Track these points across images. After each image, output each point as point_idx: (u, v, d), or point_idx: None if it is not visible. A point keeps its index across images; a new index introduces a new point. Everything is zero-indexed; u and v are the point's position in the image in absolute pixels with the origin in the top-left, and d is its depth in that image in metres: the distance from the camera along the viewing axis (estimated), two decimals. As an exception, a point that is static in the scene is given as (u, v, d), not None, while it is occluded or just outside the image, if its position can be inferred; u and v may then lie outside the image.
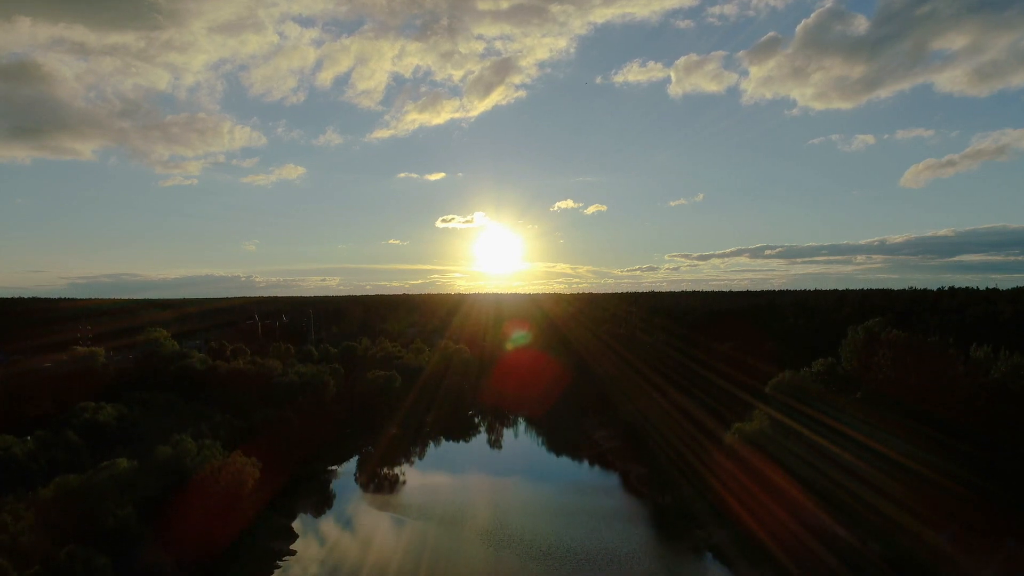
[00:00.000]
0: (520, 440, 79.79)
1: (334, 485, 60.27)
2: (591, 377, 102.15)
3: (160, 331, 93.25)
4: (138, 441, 49.72)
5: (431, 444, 75.96)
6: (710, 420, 65.28)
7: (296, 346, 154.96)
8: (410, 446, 74.07)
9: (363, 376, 74.35)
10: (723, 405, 67.15)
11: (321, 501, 55.38)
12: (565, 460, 69.47)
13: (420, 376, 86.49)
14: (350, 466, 65.54)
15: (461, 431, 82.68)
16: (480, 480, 62.69)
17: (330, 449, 67.81)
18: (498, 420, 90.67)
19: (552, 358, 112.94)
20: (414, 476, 63.71)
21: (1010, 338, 72.82)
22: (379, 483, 61.83)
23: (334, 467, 64.15)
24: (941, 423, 44.54)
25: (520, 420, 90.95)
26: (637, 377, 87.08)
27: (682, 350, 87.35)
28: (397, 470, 66.42)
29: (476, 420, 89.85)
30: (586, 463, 67.03)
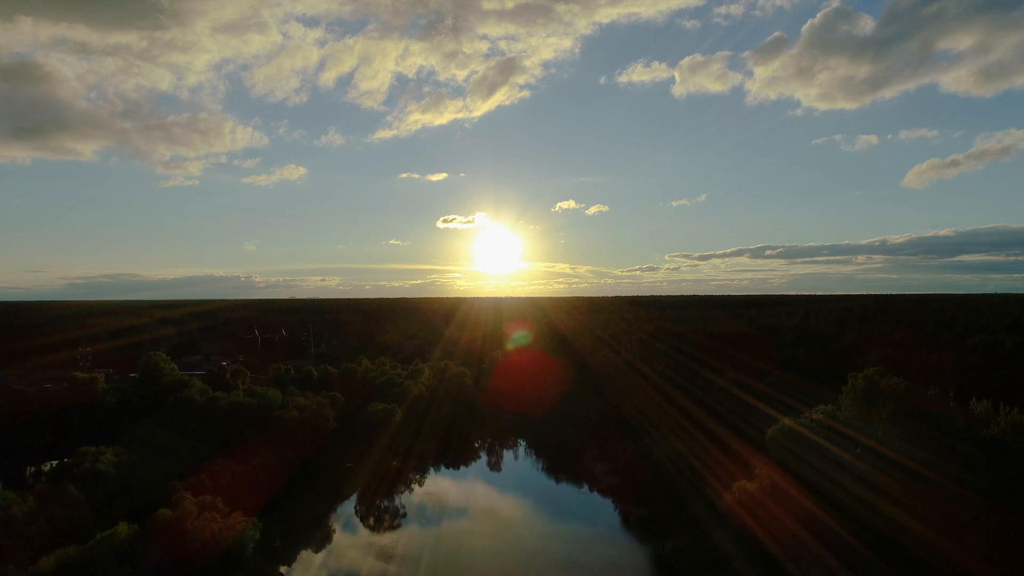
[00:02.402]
0: (518, 473, 79.36)
1: (334, 525, 60.37)
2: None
3: (159, 354, 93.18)
4: (138, 491, 49.74)
5: (429, 477, 76.10)
6: (713, 455, 65.57)
7: (295, 360, 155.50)
8: (409, 481, 74.31)
9: (364, 409, 74.41)
10: (723, 443, 67.24)
11: (320, 546, 55.42)
12: (564, 499, 69.20)
13: (419, 404, 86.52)
14: (349, 505, 65.55)
15: (459, 462, 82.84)
16: (477, 522, 62.60)
17: (329, 486, 67.86)
18: (496, 446, 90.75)
19: (549, 369, 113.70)
20: (413, 513, 63.91)
21: (1009, 372, 73.31)
22: (378, 522, 61.97)
23: (334, 507, 64.18)
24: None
25: (519, 446, 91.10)
26: (639, 401, 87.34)
27: (682, 380, 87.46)
28: (397, 503, 66.97)
29: (475, 446, 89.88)
30: (586, 504, 66.95)
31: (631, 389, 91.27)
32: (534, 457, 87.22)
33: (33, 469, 76.48)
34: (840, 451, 49.23)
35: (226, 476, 52.53)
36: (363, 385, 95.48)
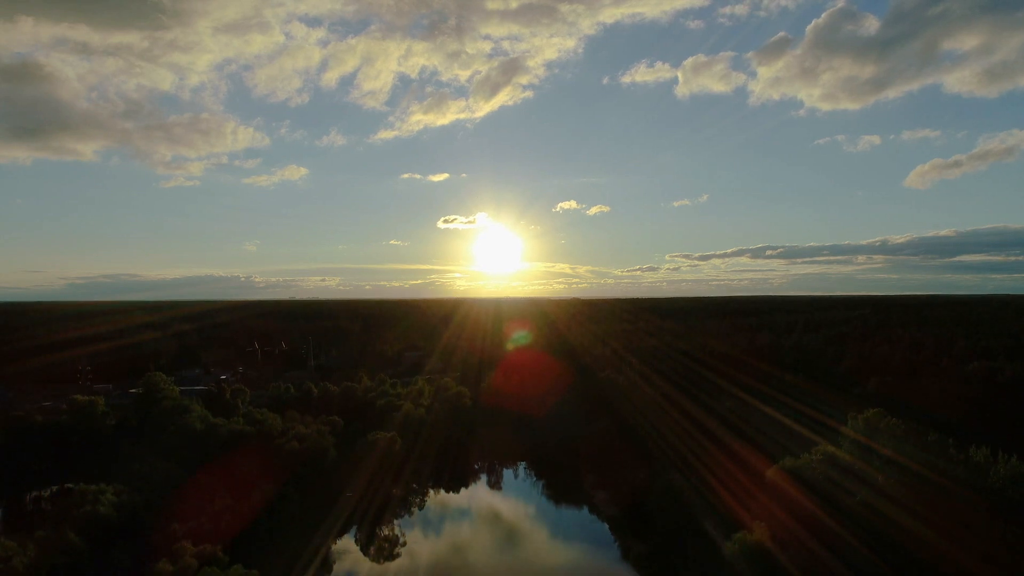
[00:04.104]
0: (517, 501, 79.07)
1: (334, 557, 60.63)
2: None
3: (159, 375, 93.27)
4: (139, 534, 49.84)
5: (428, 504, 76.44)
6: (716, 484, 65.80)
7: (295, 370, 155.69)
8: (409, 506, 74.80)
9: (364, 436, 74.63)
10: (725, 472, 67.32)
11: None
12: (563, 529, 69.25)
13: (419, 427, 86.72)
14: (349, 537, 65.67)
15: (459, 485, 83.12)
16: (475, 553, 62.98)
17: (329, 517, 67.93)
18: (496, 466, 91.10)
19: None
20: (412, 542, 64.45)
21: (1009, 405, 73.46)
22: (379, 553, 62.43)
23: (334, 539, 64.35)
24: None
25: (519, 466, 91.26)
26: (641, 421, 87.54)
27: (682, 402, 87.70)
28: (396, 532, 67.37)
29: (475, 468, 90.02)
30: (586, 535, 67.06)
31: (633, 408, 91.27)
32: (534, 479, 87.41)
33: (34, 494, 76.70)
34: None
35: (226, 517, 52.64)
36: (363, 406, 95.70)
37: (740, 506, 58.50)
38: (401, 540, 66.20)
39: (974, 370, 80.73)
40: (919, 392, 72.85)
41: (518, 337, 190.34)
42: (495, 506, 77.02)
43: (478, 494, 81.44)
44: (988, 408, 69.58)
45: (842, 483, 50.33)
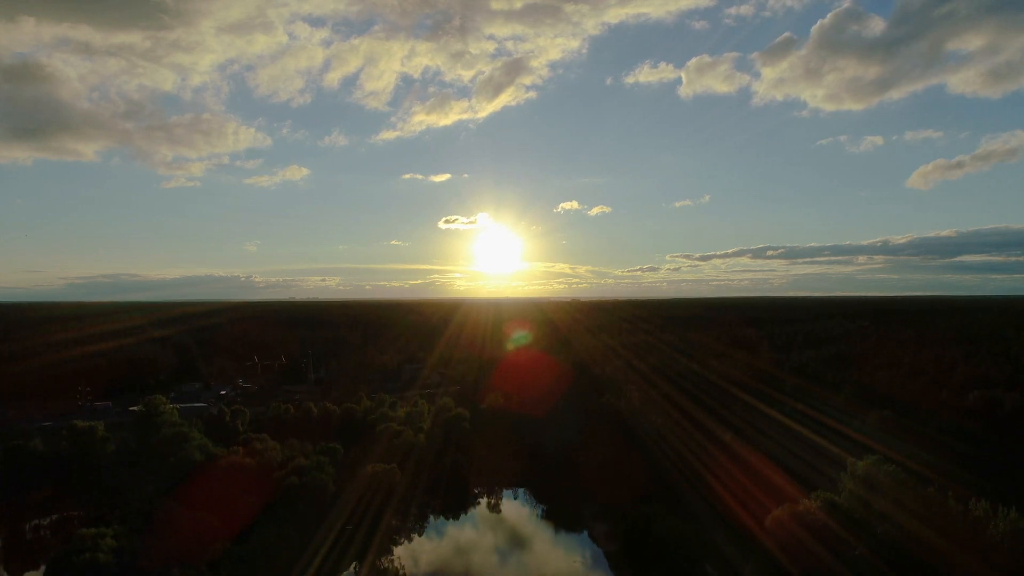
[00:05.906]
0: (516, 532, 79.10)
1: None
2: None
3: (159, 398, 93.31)
4: (138, 581, 49.94)
5: (428, 533, 76.64)
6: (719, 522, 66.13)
7: (295, 383, 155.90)
8: (409, 534, 75.11)
9: (363, 469, 74.79)
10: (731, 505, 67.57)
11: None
12: (560, 565, 69.37)
13: (418, 453, 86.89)
14: (349, 574, 65.76)
15: (458, 513, 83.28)
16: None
17: (328, 553, 67.98)
18: (496, 489, 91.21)
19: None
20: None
21: (1009, 442, 73.69)
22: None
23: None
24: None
25: (518, 495, 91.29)
26: (643, 447, 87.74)
27: (684, 423, 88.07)
28: (396, 564, 67.43)
29: (474, 494, 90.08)
30: (584, 572, 67.26)
31: (637, 429, 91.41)
32: (533, 503, 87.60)
33: (34, 523, 76.71)
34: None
35: (226, 563, 52.76)
36: (363, 428, 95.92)
37: (743, 547, 58.95)
38: (400, 572, 66.53)
39: (974, 402, 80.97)
40: (919, 431, 72.92)
41: (518, 337, 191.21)
42: (493, 536, 77.16)
43: (476, 523, 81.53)
44: (988, 446, 69.80)
45: (840, 534, 50.53)
